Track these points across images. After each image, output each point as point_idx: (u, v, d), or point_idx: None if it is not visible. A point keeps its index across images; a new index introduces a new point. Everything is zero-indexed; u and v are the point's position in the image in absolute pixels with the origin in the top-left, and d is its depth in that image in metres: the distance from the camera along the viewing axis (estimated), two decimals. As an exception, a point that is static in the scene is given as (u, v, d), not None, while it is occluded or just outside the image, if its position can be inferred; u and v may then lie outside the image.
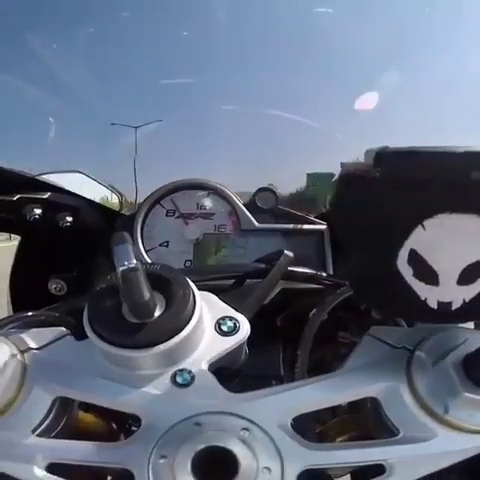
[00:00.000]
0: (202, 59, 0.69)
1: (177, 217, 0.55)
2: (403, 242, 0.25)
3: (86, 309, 0.27)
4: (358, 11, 0.67)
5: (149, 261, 0.51)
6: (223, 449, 0.24)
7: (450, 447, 0.26)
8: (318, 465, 0.25)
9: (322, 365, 0.42)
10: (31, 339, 0.28)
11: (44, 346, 0.28)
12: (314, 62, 0.70)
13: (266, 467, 0.24)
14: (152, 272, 0.27)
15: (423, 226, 0.24)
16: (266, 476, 0.23)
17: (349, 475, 0.37)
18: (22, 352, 0.28)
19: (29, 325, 0.30)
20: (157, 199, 0.55)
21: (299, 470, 0.24)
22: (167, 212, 0.55)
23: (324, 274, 0.41)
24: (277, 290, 0.41)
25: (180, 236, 0.54)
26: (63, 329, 0.29)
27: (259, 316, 0.33)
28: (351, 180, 0.24)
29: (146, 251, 0.53)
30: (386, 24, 0.68)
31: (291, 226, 0.54)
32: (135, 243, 0.52)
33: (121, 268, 0.24)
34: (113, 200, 0.65)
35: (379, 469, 0.25)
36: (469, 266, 0.25)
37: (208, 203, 0.56)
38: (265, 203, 0.55)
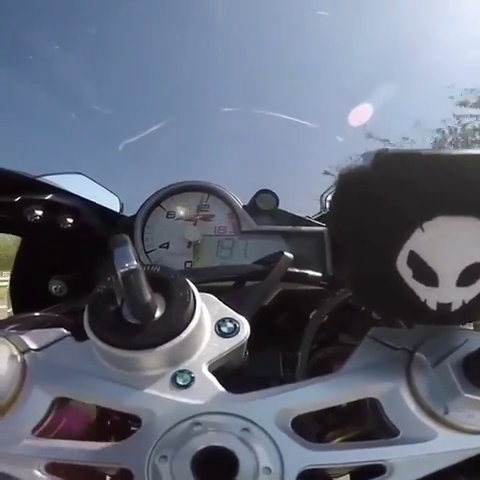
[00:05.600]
0: (202, 61, 0.68)
1: (177, 219, 0.55)
2: (402, 244, 0.25)
3: (86, 310, 0.27)
4: (357, 14, 0.67)
5: (149, 263, 0.51)
6: (223, 449, 0.24)
7: (450, 447, 0.26)
8: (318, 465, 0.25)
9: (324, 367, 0.42)
10: (31, 340, 0.29)
11: (44, 347, 0.28)
12: (313, 63, 0.70)
13: (266, 467, 0.24)
14: (152, 273, 0.27)
15: (422, 228, 0.24)
16: (266, 476, 0.23)
17: (349, 475, 0.37)
18: (22, 353, 0.28)
19: (29, 326, 0.30)
20: (157, 201, 0.55)
21: (299, 470, 0.24)
22: (167, 214, 0.56)
23: (324, 276, 0.41)
24: (278, 291, 0.42)
25: (180, 238, 0.54)
26: (63, 330, 0.29)
27: (261, 318, 0.33)
28: (350, 182, 0.24)
29: (146, 253, 0.53)
30: (387, 26, 0.68)
31: (291, 228, 0.54)
32: (135, 244, 0.52)
33: (121, 270, 0.24)
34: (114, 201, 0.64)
35: (379, 469, 0.26)
36: (468, 268, 0.25)
37: (208, 205, 0.56)
38: (265, 205, 0.55)
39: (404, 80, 0.68)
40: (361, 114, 0.64)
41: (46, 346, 0.28)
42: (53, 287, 0.52)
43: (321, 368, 0.41)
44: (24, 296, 0.55)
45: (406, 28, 0.67)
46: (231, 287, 0.38)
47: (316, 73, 0.70)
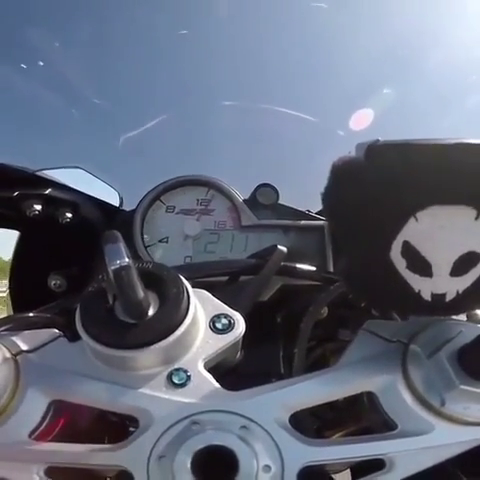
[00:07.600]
0: (202, 55, 0.68)
1: (177, 213, 0.55)
2: (396, 234, 0.25)
3: (78, 310, 0.26)
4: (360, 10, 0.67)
5: (148, 258, 0.51)
6: (222, 448, 0.24)
7: (448, 440, 0.26)
8: (318, 461, 0.25)
9: (323, 363, 0.42)
10: (23, 342, 0.28)
11: (37, 348, 0.28)
12: (316, 54, 0.69)
13: (266, 465, 0.24)
14: (144, 270, 0.27)
15: (416, 218, 0.24)
16: (267, 474, 0.23)
17: (349, 471, 0.37)
18: (15, 355, 0.27)
19: (21, 327, 0.30)
20: (157, 195, 0.55)
21: (299, 467, 0.24)
22: (167, 208, 0.55)
23: (320, 269, 0.41)
24: (277, 287, 0.41)
25: (180, 232, 0.54)
26: (56, 331, 0.29)
27: (259, 313, 0.33)
28: (343, 174, 0.24)
29: (145, 247, 0.53)
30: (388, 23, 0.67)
31: (292, 222, 0.54)
32: (134, 239, 0.52)
33: (113, 267, 0.23)
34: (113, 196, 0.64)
35: (379, 463, 0.25)
36: (461, 257, 0.25)
37: (208, 199, 0.56)
38: (266, 199, 0.55)
39: (410, 79, 0.68)
40: (364, 114, 0.64)
41: (39, 347, 0.28)
42: (52, 283, 0.51)
43: (320, 364, 0.41)
44: (23, 292, 0.54)
45: (409, 24, 0.67)
46: (225, 282, 0.38)
47: (317, 66, 0.69)
